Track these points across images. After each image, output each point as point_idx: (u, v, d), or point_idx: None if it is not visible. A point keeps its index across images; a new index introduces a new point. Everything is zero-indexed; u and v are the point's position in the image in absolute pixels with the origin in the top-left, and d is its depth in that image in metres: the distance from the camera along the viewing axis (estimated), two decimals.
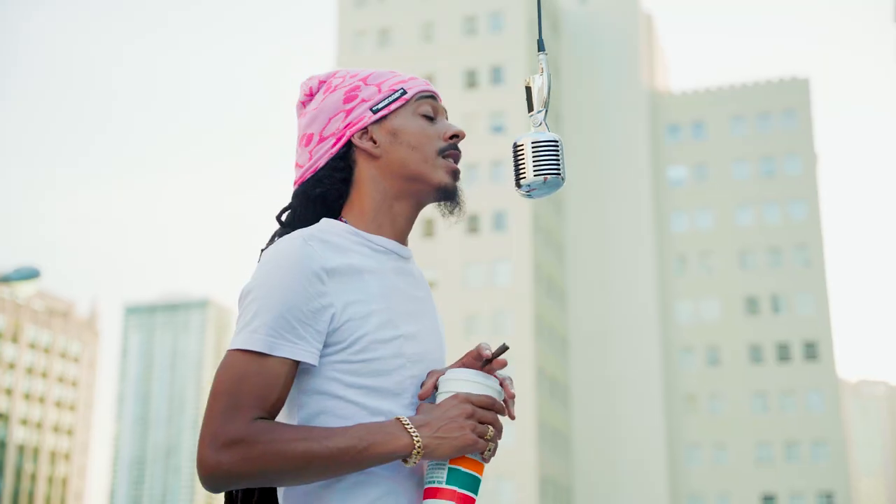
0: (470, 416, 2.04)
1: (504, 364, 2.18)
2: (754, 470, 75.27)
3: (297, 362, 2.05)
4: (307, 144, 2.29)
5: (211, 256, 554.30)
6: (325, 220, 2.20)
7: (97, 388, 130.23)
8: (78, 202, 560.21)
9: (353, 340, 2.08)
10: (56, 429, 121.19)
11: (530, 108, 2.28)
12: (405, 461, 2.05)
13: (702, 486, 76.11)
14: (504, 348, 2.17)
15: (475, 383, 2.12)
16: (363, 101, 2.26)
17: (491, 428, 2.08)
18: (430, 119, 2.28)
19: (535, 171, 2.20)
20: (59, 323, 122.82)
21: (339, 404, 2.08)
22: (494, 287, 69.08)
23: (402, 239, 2.26)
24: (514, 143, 2.25)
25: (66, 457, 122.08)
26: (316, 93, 2.34)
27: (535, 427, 66.20)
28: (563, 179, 2.21)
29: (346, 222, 2.22)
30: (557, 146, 2.21)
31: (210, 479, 1.97)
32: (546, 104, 2.27)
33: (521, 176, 2.22)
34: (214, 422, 1.99)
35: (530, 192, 2.23)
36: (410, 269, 2.26)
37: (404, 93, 2.27)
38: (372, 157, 2.25)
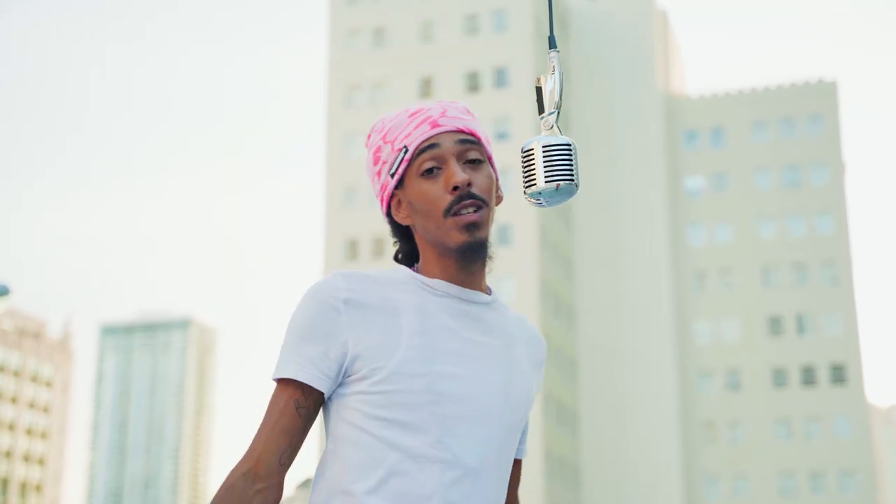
0: None
1: None
2: (778, 502, 75.20)
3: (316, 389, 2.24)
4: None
5: (193, 273, 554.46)
6: (401, 268, 2.38)
7: (71, 415, 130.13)
8: (50, 214, 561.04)
9: (372, 371, 2.21)
10: (27, 458, 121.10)
11: (541, 110, 2.28)
12: None
13: None
14: None
15: None
16: (384, 163, 2.36)
17: None
18: (435, 172, 2.32)
19: (546, 177, 2.20)
20: (29, 344, 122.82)
21: (356, 433, 2.22)
22: None
23: (464, 283, 2.34)
24: (523, 148, 2.25)
25: (38, 488, 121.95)
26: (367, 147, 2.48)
27: (541, 456, 66.16)
28: (576, 186, 2.22)
29: (416, 267, 2.39)
30: (570, 150, 2.21)
31: None
32: (558, 105, 2.27)
33: (531, 183, 2.22)
34: None
35: (541, 200, 2.24)
36: (477, 314, 2.34)
37: (407, 150, 2.33)
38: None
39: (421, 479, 2.18)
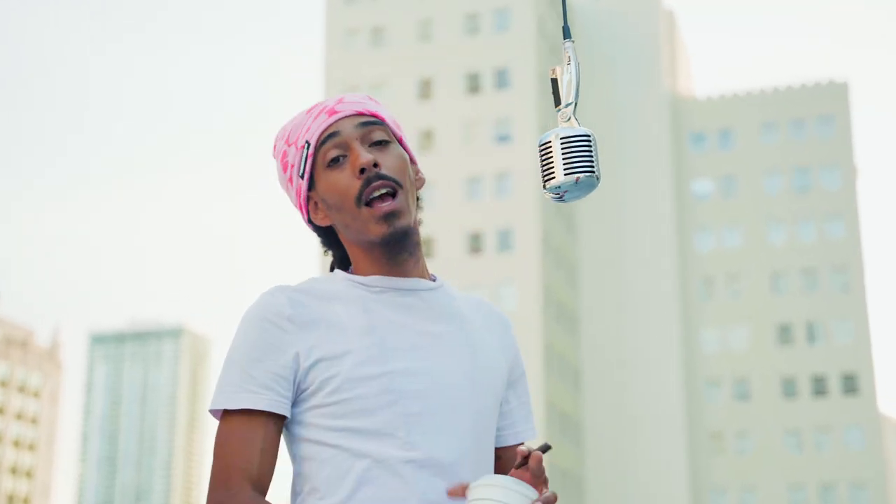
0: None
1: (540, 460, 2.18)
2: None
3: (276, 414, 2.19)
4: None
5: (186, 280, 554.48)
6: (335, 272, 2.36)
7: (59, 426, 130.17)
8: (38, 219, 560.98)
9: (324, 381, 2.18)
10: (14, 470, 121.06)
11: (557, 102, 2.26)
12: None
13: None
14: (546, 448, 2.17)
15: (508, 490, 2.06)
16: (292, 166, 2.35)
17: None
18: (342, 160, 2.29)
19: (565, 170, 2.17)
20: (17, 353, 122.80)
21: (318, 449, 2.19)
22: None
23: (401, 272, 2.31)
24: (540, 141, 2.23)
25: (26, 501, 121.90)
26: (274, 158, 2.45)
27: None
28: (598, 179, 2.19)
29: (350, 270, 2.36)
30: (590, 141, 2.19)
31: None
32: (576, 97, 2.24)
33: (550, 177, 2.19)
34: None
35: (560, 194, 2.21)
36: (424, 302, 2.31)
37: (309, 145, 2.31)
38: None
39: (393, 483, 2.15)
